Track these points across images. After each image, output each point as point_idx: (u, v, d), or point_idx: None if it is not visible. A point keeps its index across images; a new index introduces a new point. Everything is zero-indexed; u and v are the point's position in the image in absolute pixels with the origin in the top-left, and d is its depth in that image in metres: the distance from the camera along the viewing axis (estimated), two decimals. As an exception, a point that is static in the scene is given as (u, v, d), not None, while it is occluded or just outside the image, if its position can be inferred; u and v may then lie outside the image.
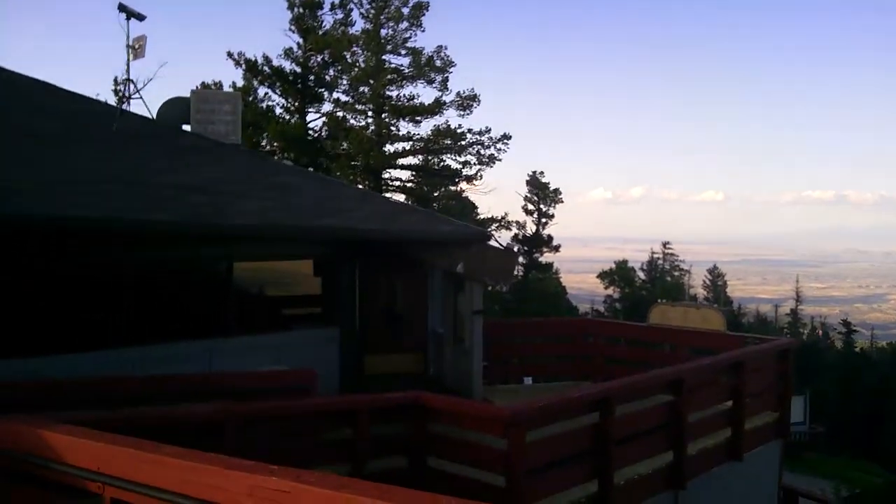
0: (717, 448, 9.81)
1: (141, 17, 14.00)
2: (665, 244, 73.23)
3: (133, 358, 9.16)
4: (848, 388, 56.54)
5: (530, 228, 50.63)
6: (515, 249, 47.08)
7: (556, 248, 51.29)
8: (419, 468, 7.16)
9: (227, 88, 33.62)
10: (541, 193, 51.07)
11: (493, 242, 12.27)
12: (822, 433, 46.15)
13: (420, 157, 36.97)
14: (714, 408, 9.97)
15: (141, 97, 14.61)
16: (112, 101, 20.40)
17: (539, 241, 50.48)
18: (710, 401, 9.94)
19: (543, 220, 51.05)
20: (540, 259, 51.50)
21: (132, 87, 14.14)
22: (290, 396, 7.92)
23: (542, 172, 51.86)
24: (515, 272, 43.69)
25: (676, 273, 72.76)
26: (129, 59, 13.93)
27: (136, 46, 13.88)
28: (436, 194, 39.29)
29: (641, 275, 70.34)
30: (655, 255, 72.38)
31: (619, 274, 67.53)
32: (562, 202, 51.56)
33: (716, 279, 78.21)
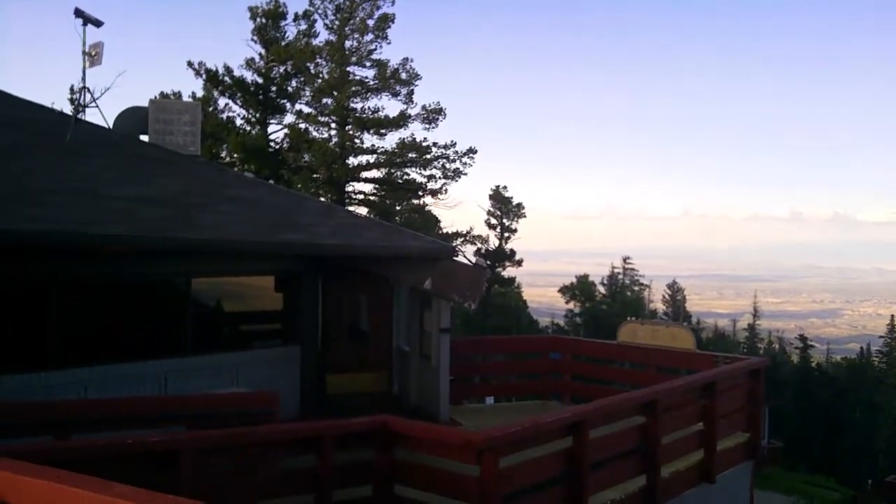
0: (690, 470, 9.60)
1: (98, 24, 13.54)
2: (625, 259, 73.66)
3: (82, 379, 8.70)
4: (805, 402, 57.26)
5: (493, 243, 50.52)
6: (485, 265, 47.05)
7: (519, 263, 51.23)
8: (386, 496, 6.83)
9: (186, 99, 33.05)
10: (504, 208, 50.99)
11: (460, 258, 11.97)
12: (780, 448, 46.54)
13: (384, 170, 36.62)
14: (686, 429, 9.77)
15: (97, 106, 14.15)
16: (68, 110, 19.79)
17: (502, 256, 50.36)
18: (683, 422, 9.73)
19: (506, 234, 50.98)
20: (502, 273, 51.37)
21: (88, 95, 13.67)
22: (250, 421, 7.54)
23: (505, 187, 51.83)
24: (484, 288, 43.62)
25: (636, 287, 73.18)
26: (85, 67, 13.47)
27: (93, 53, 13.42)
28: (398, 208, 38.95)
29: (602, 289, 70.61)
30: (616, 270, 72.78)
31: (579, 288, 67.73)
32: (524, 216, 51.58)
33: (675, 294, 78.81)
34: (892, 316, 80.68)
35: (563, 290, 68.84)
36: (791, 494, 32.41)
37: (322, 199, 32.25)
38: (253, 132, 35.06)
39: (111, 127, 13.96)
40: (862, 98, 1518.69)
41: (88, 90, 13.67)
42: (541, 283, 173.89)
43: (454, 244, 37.03)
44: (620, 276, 73.37)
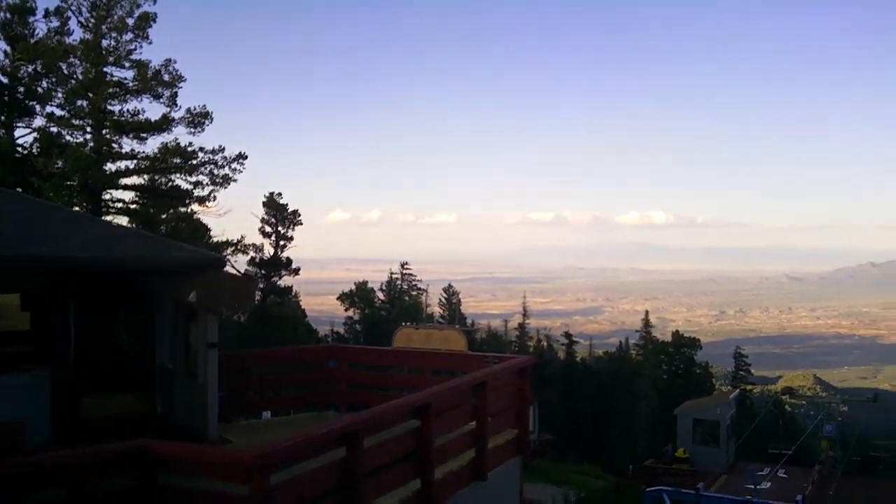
0: (462, 470, 9.81)
1: None
2: (403, 264, 74.78)
3: None
4: (572, 396, 60.93)
5: (268, 251, 49.39)
6: (254, 275, 45.60)
7: (296, 271, 50.46)
8: (149, 527, 6.41)
9: (-85, 99, 29.72)
10: (279, 215, 50.00)
11: (229, 268, 11.51)
12: (550, 441, 49.05)
13: (146, 176, 34.61)
14: (458, 430, 9.97)
15: None
16: None
17: (277, 264, 49.36)
18: (456, 423, 9.93)
19: (282, 242, 50.02)
20: (278, 283, 50.39)
21: None
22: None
23: (279, 193, 50.83)
24: (254, 299, 42.27)
25: (414, 292, 74.49)
26: None
27: None
28: (164, 217, 36.93)
29: (381, 295, 71.24)
30: (394, 276, 73.64)
31: (358, 295, 67.93)
32: (300, 224, 50.81)
33: (451, 297, 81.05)
34: (647, 311, 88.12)
35: (343, 297, 68.74)
36: (561, 485, 34.18)
37: (76, 208, 30.04)
38: (-3, 137, 32.07)
39: None
40: (618, 108, 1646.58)
41: None
42: (320, 292, 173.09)
43: (225, 254, 35.82)
44: (399, 282, 74.34)
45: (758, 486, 32.10)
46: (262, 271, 48.27)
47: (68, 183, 32.20)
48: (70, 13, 33.05)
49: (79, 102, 32.82)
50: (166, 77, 33.16)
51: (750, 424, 49.45)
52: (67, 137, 32.97)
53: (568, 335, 76.03)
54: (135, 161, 33.83)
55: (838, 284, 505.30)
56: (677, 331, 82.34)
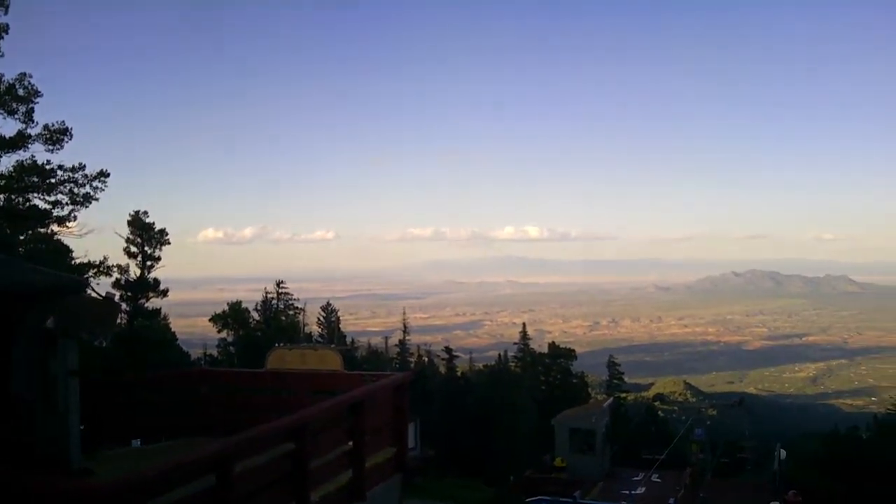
0: (340, 491, 9.67)
1: None
2: (279, 283, 73.43)
3: None
4: (454, 410, 61.30)
5: (134, 273, 47.46)
6: (117, 297, 43.65)
7: (164, 293, 48.66)
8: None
9: None
10: (145, 235, 48.11)
11: (90, 291, 10.96)
12: (432, 457, 49.05)
13: (1, 196, 32.71)
14: (336, 450, 9.83)
15: None
16: None
17: (144, 286, 47.46)
18: (333, 444, 9.79)
19: (149, 262, 48.15)
20: (146, 305, 48.46)
21: None
22: None
23: (145, 212, 48.90)
24: (118, 322, 40.52)
25: (291, 312, 73.29)
26: None
27: None
28: (22, 238, 34.96)
29: (256, 315, 69.70)
30: (269, 295, 72.12)
31: (232, 316, 66.16)
32: (168, 244, 49.05)
33: (329, 315, 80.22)
34: (524, 324, 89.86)
35: (215, 318, 66.77)
36: (443, 500, 34.26)
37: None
38: None
39: None
40: (492, 123, 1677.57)
41: None
42: (191, 313, 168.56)
43: (87, 276, 34.20)
44: (275, 301, 72.86)
45: (633, 492, 33.18)
46: (128, 293, 46.34)
47: (-87, 205, 30.13)
48: (-87, 23, 30.98)
49: (-76, 119, 30.77)
50: (21, 92, 31.43)
51: (625, 431, 50.99)
52: (-88, 156, 30.84)
53: (448, 350, 76.60)
54: (-11, 180, 31.94)
55: (704, 293, 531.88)
56: (553, 342, 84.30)
